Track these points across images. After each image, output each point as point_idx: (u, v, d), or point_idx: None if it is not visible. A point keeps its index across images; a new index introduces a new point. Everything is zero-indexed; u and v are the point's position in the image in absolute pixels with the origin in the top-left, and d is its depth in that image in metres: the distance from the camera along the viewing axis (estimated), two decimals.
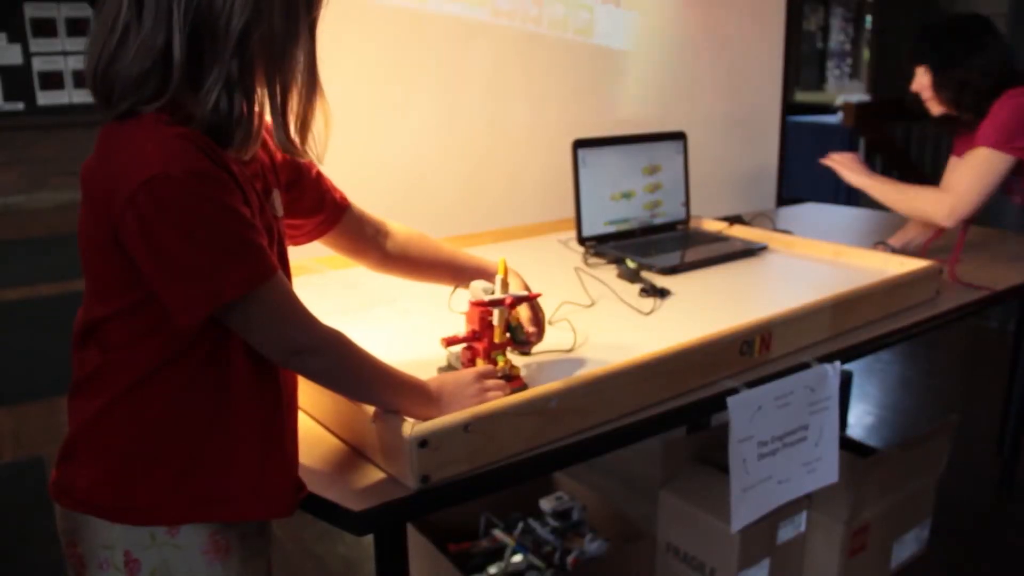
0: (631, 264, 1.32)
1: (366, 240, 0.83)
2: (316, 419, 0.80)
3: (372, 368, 0.67)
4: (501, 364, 0.79)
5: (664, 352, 0.85)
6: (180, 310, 0.57)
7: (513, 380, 0.80)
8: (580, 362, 0.91)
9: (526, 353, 0.89)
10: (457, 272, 0.87)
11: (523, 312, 0.86)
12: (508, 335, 0.81)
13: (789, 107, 2.30)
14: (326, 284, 1.19)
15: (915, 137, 3.22)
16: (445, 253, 0.87)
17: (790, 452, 0.89)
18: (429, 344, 0.92)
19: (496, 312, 0.78)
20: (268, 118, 0.62)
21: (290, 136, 0.63)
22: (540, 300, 0.88)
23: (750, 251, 1.46)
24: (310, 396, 0.79)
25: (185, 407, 0.60)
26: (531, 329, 0.85)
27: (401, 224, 0.87)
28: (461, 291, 0.87)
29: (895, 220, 1.61)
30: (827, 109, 3.82)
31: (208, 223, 0.56)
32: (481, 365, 0.80)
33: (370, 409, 0.71)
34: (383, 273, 0.88)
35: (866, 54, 3.76)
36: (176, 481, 0.60)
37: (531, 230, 1.55)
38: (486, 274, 0.85)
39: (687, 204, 1.64)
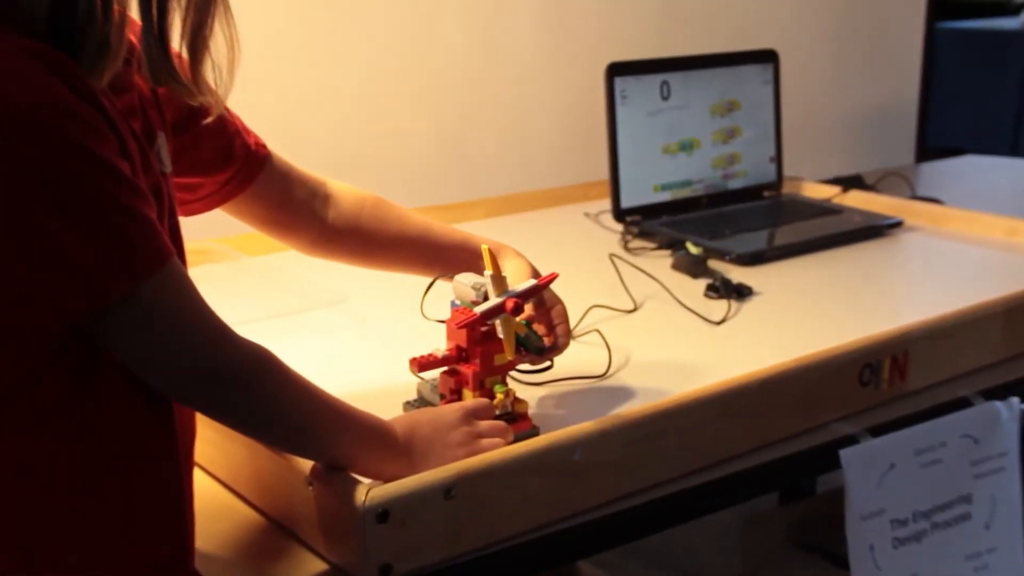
0: (694, 250, 1.33)
1: (296, 208, 0.84)
2: (222, 480, 0.81)
3: (311, 403, 0.67)
4: (500, 398, 0.80)
5: (744, 380, 0.86)
6: (24, 321, 0.57)
7: (518, 421, 0.82)
8: (617, 395, 0.93)
9: (545, 369, 0.90)
10: (434, 255, 0.89)
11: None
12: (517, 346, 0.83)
13: (940, 6, 2.15)
14: (237, 277, 1.22)
15: None
16: (415, 226, 0.89)
17: (944, 537, 0.87)
18: (393, 367, 0.92)
19: (500, 324, 0.79)
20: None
21: (169, 59, 0.63)
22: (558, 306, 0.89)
23: (875, 230, 1.47)
24: (214, 445, 0.80)
25: (29, 468, 0.60)
26: (552, 332, 0.87)
27: (349, 185, 0.89)
28: (443, 283, 0.87)
29: None
30: (1002, 8, 3.45)
31: (69, 186, 0.55)
32: (470, 399, 0.80)
33: (306, 464, 0.71)
34: (323, 257, 0.89)
35: None
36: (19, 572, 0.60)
37: (543, 199, 1.58)
38: (478, 257, 0.85)
39: (778, 160, 1.64)
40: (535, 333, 0.85)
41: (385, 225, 0.88)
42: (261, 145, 0.83)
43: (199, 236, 1.21)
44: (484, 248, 0.79)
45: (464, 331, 0.80)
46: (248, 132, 0.83)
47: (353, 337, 1.08)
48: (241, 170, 0.81)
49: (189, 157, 0.76)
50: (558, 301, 0.88)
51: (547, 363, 0.88)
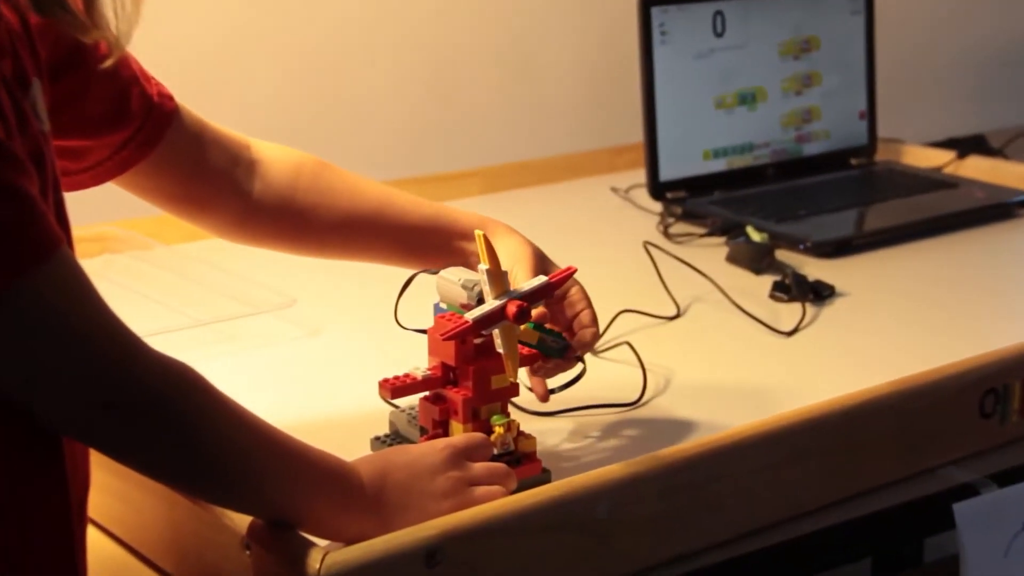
0: (756, 236, 1.33)
1: (213, 179, 0.86)
2: (125, 542, 0.81)
3: (248, 438, 0.68)
4: (500, 432, 0.81)
5: (823, 411, 0.87)
6: None
7: (523, 463, 0.83)
8: (653, 429, 0.93)
9: (578, 378, 0.91)
10: (396, 237, 0.91)
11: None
12: (528, 346, 0.84)
13: None
14: (149, 273, 1.23)
15: None
16: (369, 199, 0.90)
17: None
18: (358, 391, 0.93)
19: (499, 334, 0.80)
20: None
21: None
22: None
23: (1002, 209, 1.47)
24: (117, 495, 0.80)
25: None
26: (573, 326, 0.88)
27: (282, 147, 0.90)
28: (426, 279, 0.88)
29: None
30: None
31: None
32: (460, 434, 0.81)
33: (242, 521, 0.71)
34: (249, 242, 0.91)
35: None
36: None
37: (556, 169, 1.59)
38: (457, 238, 0.88)
39: (871, 116, 1.64)
40: (551, 331, 0.86)
41: (329, 198, 0.89)
42: (166, 96, 0.84)
43: (95, 218, 1.23)
44: (479, 235, 0.80)
45: (452, 344, 0.81)
46: (148, 79, 0.83)
47: (305, 352, 1.09)
48: (141, 130, 0.81)
49: (72, 112, 0.76)
50: (573, 282, 0.89)
51: (578, 366, 0.89)
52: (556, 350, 0.85)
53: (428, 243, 0.90)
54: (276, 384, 1.02)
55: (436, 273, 0.86)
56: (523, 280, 0.84)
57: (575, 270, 0.85)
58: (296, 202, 0.88)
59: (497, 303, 0.79)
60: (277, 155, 0.90)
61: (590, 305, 0.89)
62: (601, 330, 0.99)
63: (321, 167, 0.90)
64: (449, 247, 0.90)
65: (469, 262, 0.89)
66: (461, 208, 0.94)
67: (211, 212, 0.88)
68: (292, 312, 1.15)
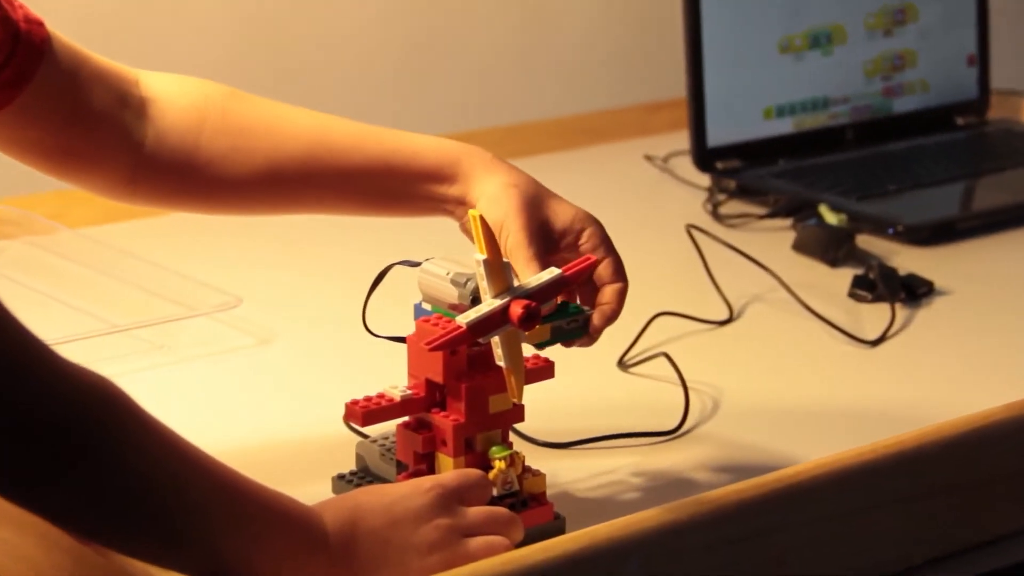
0: (832, 218, 1.34)
1: (95, 125, 0.87)
2: None
3: (184, 471, 0.69)
4: (500, 468, 0.83)
5: (921, 440, 0.87)
6: None
7: (531, 506, 0.83)
8: (696, 463, 0.94)
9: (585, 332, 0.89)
10: (348, 186, 0.92)
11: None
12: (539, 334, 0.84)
13: None
14: (53, 264, 1.23)
15: None
16: (305, 137, 0.91)
17: None
18: (318, 415, 0.96)
19: (500, 342, 0.80)
20: None
21: None
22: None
23: None
24: (10, 552, 0.80)
25: None
26: (603, 304, 0.87)
27: (181, 79, 0.92)
28: (402, 273, 0.88)
29: None
30: None
31: None
32: (450, 469, 0.82)
33: None
34: (143, 203, 0.93)
35: None
36: None
37: (578, 130, 1.60)
38: (436, 184, 0.89)
39: (983, 62, 1.64)
40: (565, 309, 0.86)
41: (244, 142, 0.90)
42: (35, 22, 0.84)
43: None
44: (474, 216, 0.80)
45: (439, 355, 0.81)
46: (12, 2, 0.84)
47: (252, 366, 1.10)
48: (5, 67, 0.82)
49: None
50: (598, 242, 0.88)
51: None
52: (575, 331, 0.86)
53: (380, 189, 0.92)
54: (215, 407, 1.03)
55: (417, 265, 0.86)
56: (516, 242, 0.85)
57: (595, 261, 0.85)
58: (202, 150, 0.89)
59: (498, 303, 0.79)
60: (175, 90, 0.91)
61: (618, 272, 0.88)
62: (630, 339, 1.00)
63: (232, 100, 0.91)
64: (408, 193, 0.91)
65: (445, 210, 0.90)
66: (422, 135, 0.93)
67: (96, 167, 0.89)
68: (236, 315, 1.15)
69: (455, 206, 0.89)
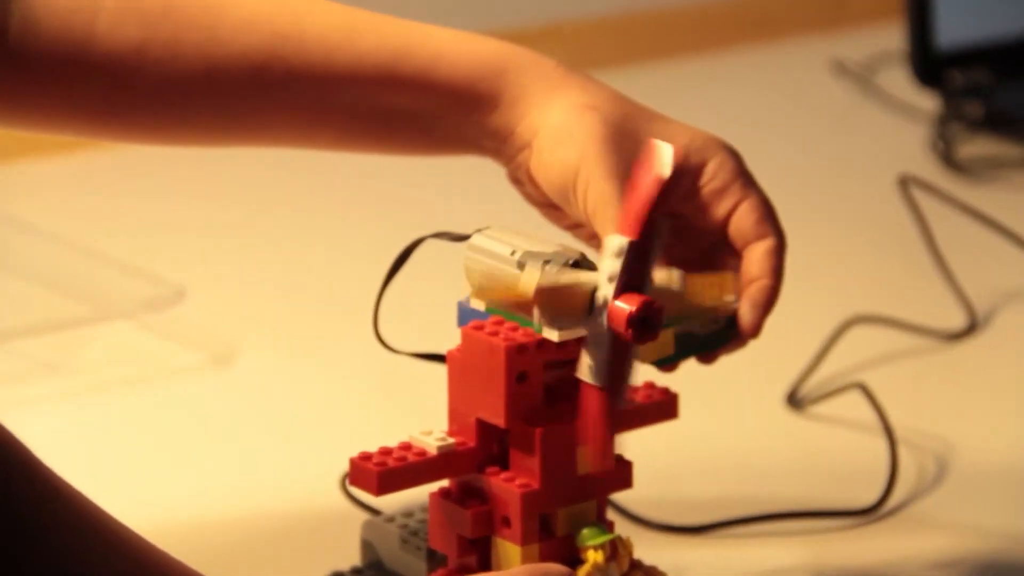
0: None
1: None
2: None
3: (99, 550, 0.65)
4: (595, 559, 0.77)
5: None
6: None
7: None
8: (909, 558, 0.88)
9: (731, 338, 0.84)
10: (332, 109, 0.86)
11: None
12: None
13: None
14: None
15: None
16: (260, 32, 0.86)
17: None
18: (304, 476, 0.93)
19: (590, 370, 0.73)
20: None
21: None
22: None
23: None
24: None
25: None
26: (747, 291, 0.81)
27: None
28: (432, 252, 0.80)
29: None
30: None
31: None
32: (517, 563, 0.76)
33: None
34: (24, 127, 0.89)
35: None
36: None
37: (719, 24, 1.54)
38: (482, 111, 0.82)
39: None
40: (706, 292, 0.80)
41: (164, 29, 0.84)
42: None
43: None
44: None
45: (498, 383, 0.75)
46: None
47: (201, 395, 1.05)
48: None
49: None
50: (729, 179, 0.82)
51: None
52: (716, 335, 0.79)
53: (381, 112, 0.84)
54: (142, 459, 0.97)
55: (463, 240, 0.78)
56: (600, 197, 0.77)
57: (727, 272, 0.80)
58: (98, 41, 0.83)
59: (596, 316, 0.72)
60: None
61: (765, 222, 0.80)
62: (813, 357, 0.99)
63: None
64: (426, 120, 0.84)
65: (482, 148, 0.83)
66: (449, 30, 0.85)
67: None
68: (177, 317, 1.10)
69: (498, 142, 0.81)
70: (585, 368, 0.70)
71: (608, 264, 0.71)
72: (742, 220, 0.79)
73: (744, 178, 0.80)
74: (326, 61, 0.84)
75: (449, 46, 0.83)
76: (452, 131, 0.83)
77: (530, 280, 0.72)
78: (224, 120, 0.87)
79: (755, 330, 0.76)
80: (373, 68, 0.83)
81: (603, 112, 0.80)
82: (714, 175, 0.80)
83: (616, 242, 0.71)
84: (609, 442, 0.73)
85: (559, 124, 0.79)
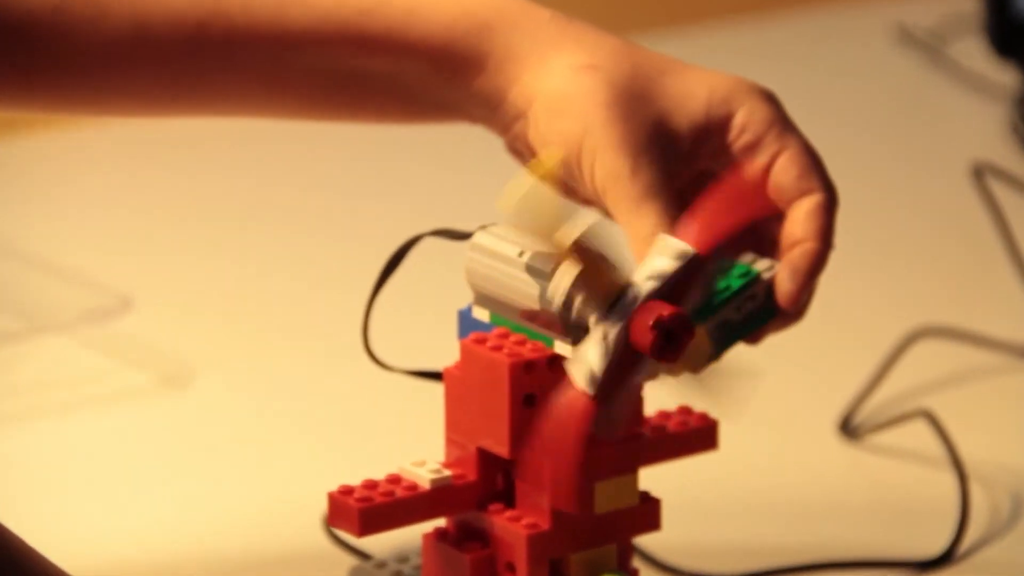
0: None
1: None
2: None
3: None
4: None
5: None
6: None
7: None
8: None
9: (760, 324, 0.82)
10: (296, 73, 0.83)
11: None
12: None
13: None
14: None
15: None
16: None
17: None
18: (274, 516, 0.91)
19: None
20: None
21: None
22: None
23: None
24: None
25: None
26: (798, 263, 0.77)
27: None
28: (424, 256, 0.78)
29: None
30: None
31: None
32: None
33: None
34: None
35: None
36: None
37: None
38: (470, 75, 0.78)
39: None
40: (729, 279, 0.76)
41: None
42: None
43: None
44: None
45: (502, 406, 0.72)
46: None
47: (152, 421, 1.02)
48: None
49: None
50: (764, 128, 0.77)
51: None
52: (754, 317, 0.76)
53: (348, 75, 0.81)
54: (86, 493, 0.94)
55: (466, 238, 0.75)
56: (610, 172, 0.74)
57: (770, 265, 0.75)
58: (9, 13, 0.80)
59: (619, 313, 0.69)
60: None
61: (808, 175, 0.76)
62: (871, 377, 0.96)
63: None
64: (401, 84, 0.81)
65: (470, 116, 0.80)
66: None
67: None
68: (122, 330, 1.08)
69: (488, 110, 0.77)
70: (579, 368, 0.66)
71: (656, 262, 0.67)
72: (781, 176, 0.75)
73: (780, 126, 0.76)
74: (277, 19, 0.80)
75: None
76: (433, 97, 0.80)
77: (571, 231, 0.66)
78: (164, 87, 0.83)
79: (793, 302, 0.72)
80: (335, 26, 0.80)
81: (607, 72, 0.76)
82: (743, 128, 0.76)
83: (674, 245, 0.67)
84: (577, 470, 0.68)
85: (557, 90, 0.75)
